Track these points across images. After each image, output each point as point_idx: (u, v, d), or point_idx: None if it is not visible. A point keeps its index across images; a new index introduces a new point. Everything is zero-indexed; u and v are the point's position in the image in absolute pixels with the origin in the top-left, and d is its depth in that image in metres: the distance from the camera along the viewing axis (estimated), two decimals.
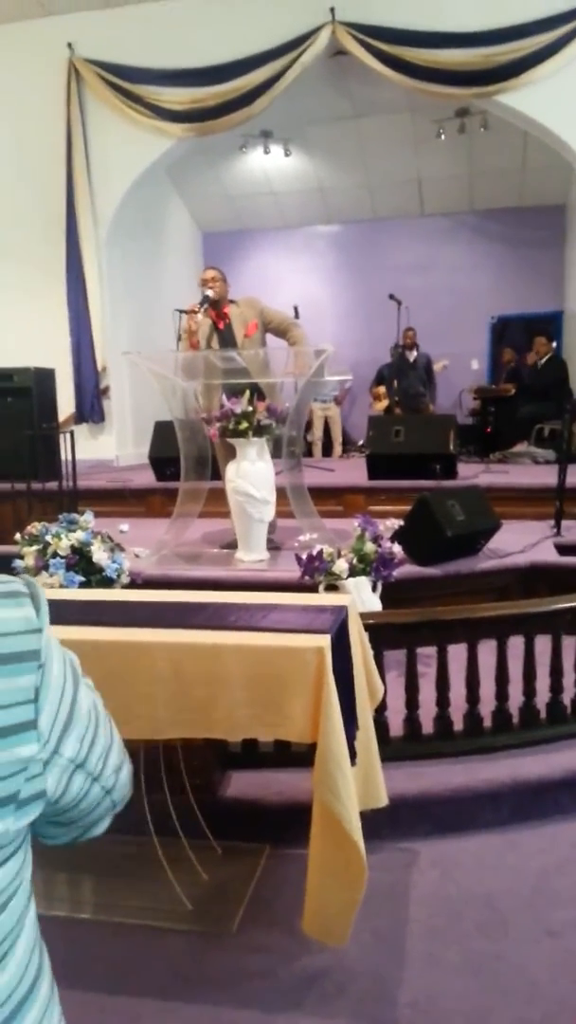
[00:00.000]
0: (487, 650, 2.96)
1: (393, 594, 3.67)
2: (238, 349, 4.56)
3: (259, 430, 4.16)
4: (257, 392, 4.32)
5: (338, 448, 9.74)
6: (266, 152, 9.39)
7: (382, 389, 9.43)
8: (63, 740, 0.69)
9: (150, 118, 7.77)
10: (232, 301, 4.78)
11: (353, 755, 2.08)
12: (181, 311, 4.67)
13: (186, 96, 7.65)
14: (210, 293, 4.65)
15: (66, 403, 7.81)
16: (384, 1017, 1.94)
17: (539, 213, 10.01)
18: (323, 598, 2.77)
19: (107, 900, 2.34)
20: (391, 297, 8.13)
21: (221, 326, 4.75)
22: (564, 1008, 1.95)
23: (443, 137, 8.75)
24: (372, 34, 7.07)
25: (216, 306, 4.70)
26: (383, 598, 3.62)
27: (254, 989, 2.03)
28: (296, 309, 5.46)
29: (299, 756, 2.63)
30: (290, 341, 4.72)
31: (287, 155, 9.48)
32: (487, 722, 2.96)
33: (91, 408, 8.23)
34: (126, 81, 7.77)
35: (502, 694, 2.95)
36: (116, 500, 6.43)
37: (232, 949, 2.17)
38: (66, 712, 0.69)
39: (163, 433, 6.44)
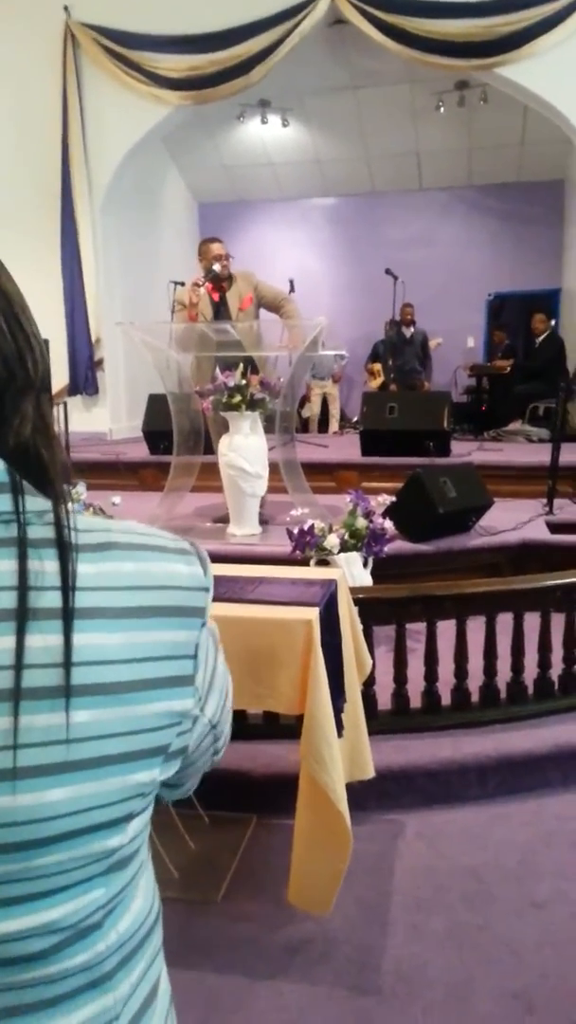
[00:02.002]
0: (476, 627, 2.97)
1: (384, 570, 3.68)
2: (232, 322, 4.53)
3: (252, 404, 4.14)
4: (251, 366, 4.29)
5: (335, 424, 9.72)
6: (264, 122, 9.25)
7: (377, 365, 9.39)
8: (208, 700, 0.70)
9: (147, 85, 7.63)
10: (228, 277, 4.75)
11: (340, 727, 2.10)
12: (176, 283, 4.63)
13: (184, 63, 7.52)
14: (218, 268, 4.61)
15: (59, 374, 7.75)
16: (367, 984, 1.97)
17: (538, 188, 9.91)
18: (313, 572, 2.77)
19: None
20: (387, 272, 8.06)
21: (216, 298, 4.71)
22: (547, 978, 1.98)
23: (442, 110, 8.64)
24: (372, 3, 6.93)
25: (217, 281, 4.66)
26: (374, 574, 3.63)
27: (239, 956, 2.06)
28: (292, 283, 5.40)
29: (287, 728, 2.65)
30: (283, 315, 4.69)
31: (285, 125, 9.35)
32: (475, 697, 2.98)
33: (85, 380, 8.18)
34: (123, 47, 7.62)
35: (490, 669, 2.97)
36: (109, 473, 6.41)
37: (218, 917, 2.20)
38: (210, 673, 0.70)
39: (157, 406, 6.41)
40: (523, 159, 9.55)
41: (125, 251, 8.56)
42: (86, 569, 0.58)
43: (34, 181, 8.01)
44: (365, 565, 3.61)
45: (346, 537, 3.58)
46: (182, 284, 5.13)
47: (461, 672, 2.94)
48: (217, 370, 4.23)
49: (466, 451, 6.52)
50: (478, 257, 10.22)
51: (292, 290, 5.09)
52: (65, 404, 5.89)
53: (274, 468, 4.55)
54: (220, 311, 4.70)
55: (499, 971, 2.01)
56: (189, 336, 4.61)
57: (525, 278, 10.10)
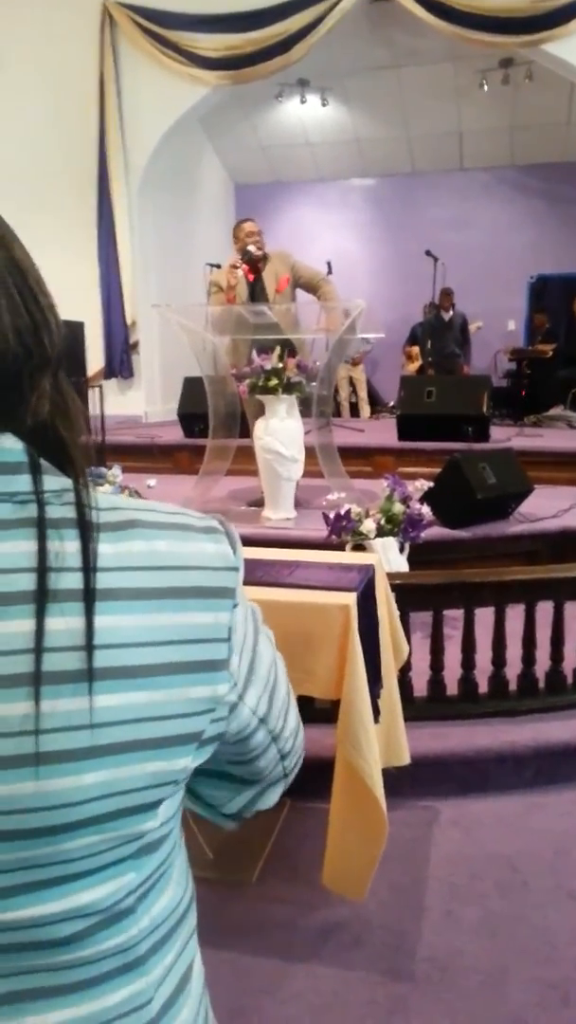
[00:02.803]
0: (515, 615, 2.93)
1: (421, 556, 3.64)
2: (269, 304, 4.50)
3: (289, 387, 4.11)
4: (288, 348, 4.26)
5: (366, 408, 9.64)
6: (302, 102, 9.15)
7: (415, 349, 9.28)
8: (248, 688, 0.67)
9: (185, 65, 7.58)
10: (264, 256, 4.71)
11: (376, 713, 2.08)
12: (212, 265, 4.60)
13: (221, 43, 7.45)
14: (253, 249, 4.57)
15: (95, 358, 7.78)
16: (401, 970, 1.97)
17: None
18: (350, 557, 2.75)
19: None
20: (427, 253, 7.94)
21: (252, 279, 4.67)
22: None
23: (486, 88, 8.46)
24: None
25: (253, 262, 4.63)
26: (410, 560, 3.59)
27: (273, 938, 2.06)
28: (329, 264, 5.34)
29: (322, 713, 2.63)
30: (321, 297, 4.64)
31: (324, 105, 9.24)
32: (513, 686, 2.94)
33: (120, 363, 8.21)
34: (160, 26, 7.58)
35: (528, 658, 2.93)
36: (144, 456, 6.44)
37: (252, 899, 2.21)
38: (249, 658, 0.67)
39: (192, 389, 6.41)
40: (569, 138, 9.33)
41: (161, 234, 8.55)
42: (108, 549, 0.56)
43: (71, 164, 8.02)
44: (401, 551, 3.58)
45: (382, 522, 3.55)
46: (218, 266, 5.11)
47: (499, 660, 2.91)
48: (254, 353, 4.21)
49: (505, 436, 6.43)
50: (520, 239, 10.03)
51: (330, 272, 5.04)
52: (101, 387, 5.91)
53: (310, 452, 4.53)
54: (256, 293, 4.67)
55: (534, 961, 1.99)
56: (226, 318, 4.59)
57: (569, 260, 9.89)
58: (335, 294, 4.65)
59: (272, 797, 0.79)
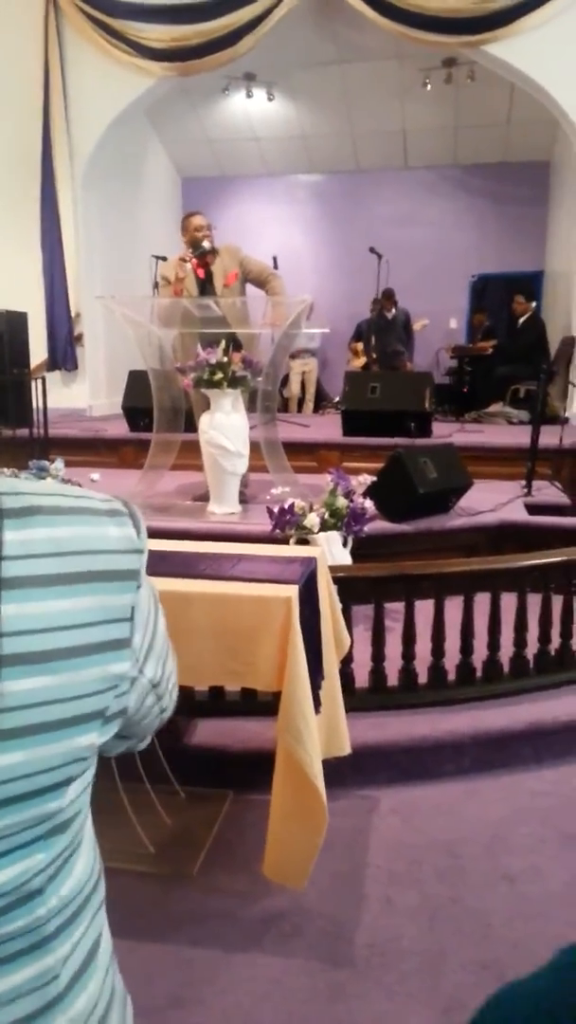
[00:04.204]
0: (453, 607, 2.99)
1: (364, 550, 3.69)
2: (217, 298, 4.49)
3: (234, 381, 4.11)
4: (234, 343, 4.26)
5: (309, 404, 9.67)
6: (249, 96, 9.13)
7: (360, 345, 9.36)
8: (147, 661, 0.70)
9: (131, 55, 7.49)
10: (214, 251, 4.69)
11: (318, 704, 2.11)
12: (158, 257, 4.57)
13: (168, 34, 7.38)
14: (206, 245, 4.55)
15: (38, 349, 7.65)
16: (341, 957, 2.00)
17: (523, 169, 9.88)
18: (293, 550, 2.77)
19: None
20: (372, 251, 8.01)
21: (202, 275, 4.65)
22: (518, 950, 2.02)
23: (429, 87, 8.56)
24: None
25: (204, 256, 4.61)
26: (353, 554, 3.64)
27: (214, 929, 2.07)
28: (275, 260, 5.36)
29: (265, 705, 2.66)
30: (269, 291, 4.65)
31: (270, 99, 9.24)
32: (451, 676, 3.00)
33: (64, 355, 8.08)
34: (107, 15, 7.47)
35: (467, 648, 3.00)
36: (88, 450, 6.37)
37: (193, 890, 2.21)
38: (151, 634, 0.70)
39: (137, 383, 6.35)
40: (509, 139, 9.51)
41: (106, 225, 8.44)
42: (11, 537, 0.57)
43: (13, 151, 7.86)
44: (345, 544, 3.62)
45: (326, 516, 3.58)
46: (164, 259, 5.07)
47: (438, 651, 2.97)
48: (199, 347, 4.20)
49: (447, 432, 6.54)
50: (463, 238, 10.19)
51: (276, 267, 5.05)
52: (43, 379, 5.81)
53: (255, 447, 4.54)
54: (205, 287, 4.65)
55: (471, 943, 2.04)
56: (172, 312, 4.57)
57: (509, 260, 10.10)
58: (283, 289, 4.67)
59: (147, 742, 0.84)
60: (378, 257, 7.96)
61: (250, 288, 4.77)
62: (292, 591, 2.00)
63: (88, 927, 0.69)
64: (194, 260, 4.57)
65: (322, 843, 2.05)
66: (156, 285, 4.70)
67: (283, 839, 2.01)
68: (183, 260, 4.56)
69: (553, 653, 3.13)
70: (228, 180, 10.70)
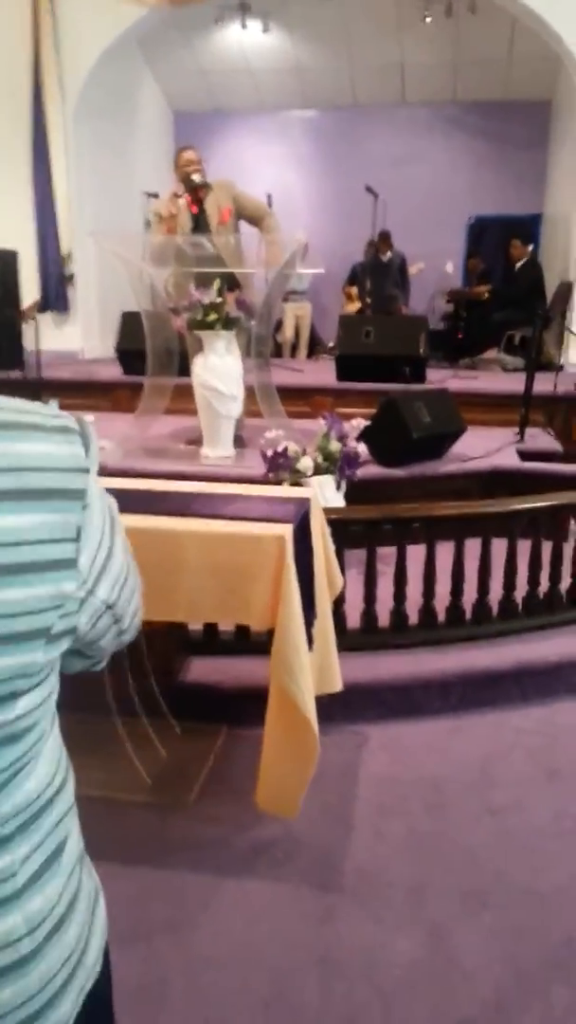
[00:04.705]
0: (445, 553, 3.02)
1: (356, 494, 3.71)
2: (210, 235, 4.39)
3: (228, 323, 4.06)
4: (228, 283, 4.19)
5: (303, 349, 9.56)
6: (243, 27, 8.81)
7: (354, 289, 9.22)
8: (99, 582, 0.70)
9: None
10: (207, 184, 4.57)
11: (310, 641, 2.14)
12: (150, 194, 4.46)
13: None
14: (196, 178, 4.44)
15: (30, 290, 7.53)
16: (329, 883, 2.07)
17: (524, 108, 9.63)
18: (286, 490, 2.78)
19: None
20: (368, 189, 7.82)
21: (195, 210, 4.54)
22: (500, 880, 2.09)
23: (429, 20, 8.28)
24: None
25: (195, 192, 4.49)
26: (346, 499, 3.65)
27: (208, 856, 2.14)
28: (269, 197, 5.25)
29: (258, 644, 2.70)
30: (264, 230, 4.55)
31: (265, 31, 8.92)
32: (441, 617, 3.05)
33: (55, 296, 7.95)
34: None
35: (457, 590, 3.03)
36: (81, 392, 6.31)
37: (188, 820, 2.28)
38: (104, 556, 0.70)
39: (130, 325, 6.27)
40: (510, 76, 9.25)
41: (98, 162, 8.22)
42: None
43: (2, 86, 7.60)
44: (338, 488, 3.63)
45: (320, 460, 3.59)
46: (156, 196, 4.95)
47: (429, 592, 3.00)
48: (192, 287, 4.13)
49: (441, 379, 6.50)
50: (460, 178, 9.98)
51: (270, 206, 4.95)
52: (36, 320, 5.73)
53: (249, 392, 4.51)
54: (199, 224, 4.54)
55: (456, 872, 2.12)
56: (165, 250, 4.48)
57: (507, 202, 9.91)
58: (278, 227, 4.57)
59: (103, 663, 0.86)
60: (374, 196, 7.79)
61: (243, 227, 4.67)
62: (286, 529, 2.02)
63: (51, 832, 0.71)
64: (187, 196, 4.47)
65: (313, 775, 2.10)
66: (148, 223, 4.59)
67: (275, 771, 2.06)
68: (176, 196, 4.45)
69: (542, 596, 3.17)
70: (222, 115, 10.40)
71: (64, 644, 0.68)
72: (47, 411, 0.66)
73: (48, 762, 0.72)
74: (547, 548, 3.16)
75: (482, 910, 1.99)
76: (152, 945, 1.86)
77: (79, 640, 0.73)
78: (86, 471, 0.66)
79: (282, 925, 1.93)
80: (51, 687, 0.70)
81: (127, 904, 1.97)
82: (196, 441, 4.59)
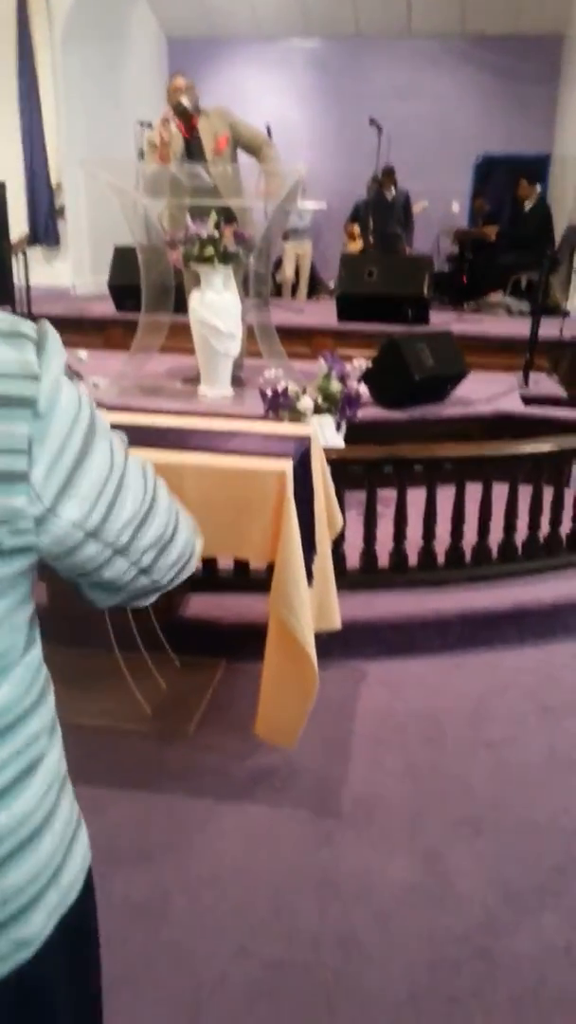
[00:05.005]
0: (446, 499, 3.00)
1: (356, 436, 3.67)
2: (206, 164, 4.26)
3: (226, 257, 3.96)
4: (225, 216, 4.08)
5: (304, 289, 9.37)
6: None
7: (356, 228, 9.00)
8: (61, 500, 0.66)
9: None
10: (201, 111, 4.41)
11: (310, 577, 2.14)
12: (144, 124, 4.30)
13: None
14: (185, 101, 4.27)
15: (18, 222, 7.34)
16: (327, 810, 2.11)
17: (535, 43, 9.27)
18: (286, 427, 2.75)
19: (72, 706, 2.43)
20: (372, 122, 7.57)
21: (189, 136, 4.38)
22: (495, 809, 2.13)
23: None
24: None
25: (186, 117, 4.33)
26: (347, 441, 3.62)
27: (208, 782, 2.18)
28: (268, 129, 5.08)
29: (256, 581, 2.71)
30: (262, 159, 4.40)
31: None
32: (440, 559, 3.05)
33: (45, 229, 7.74)
34: None
35: (457, 533, 3.03)
36: (73, 329, 6.18)
37: (188, 748, 2.31)
38: (66, 471, 0.65)
39: (123, 260, 6.12)
40: (521, 9, 8.89)
41: (88, 89, 7.93)
42: None
43: None
44: (338, 429, 3.60)
45: (320, 400, 3.54)
46: (151, 126, 4.79)
47: (429, 533, 3.00)
48: (188, 219, 4.02)
49: (444, 322, 6.40)
50: (467, 115, 9.67)
51: (270, 137, 4.79)
52: (25, 253, 5.58)
53: (249, 332, 4.43)
54: (193, 151, 4.38)
55: (451, 801, 2.16)
56: (160, 180, 4.34)
57: (515, 141, 9.62)
58: (278, 158, 4.42)
59: (146, 600, 0.84)
60: (378, 130, 7.53)
61: (242, 159, 4.53)
62: (286, 465, 2.00)
63: (22, 750, 0.71)
64: (178, 121, 4.30)
65: (312, 709, 2.13)
66: (142, 154, 4.43)
67: (275, 702, 2.08)
68: (165, 121, 4.28)
69: (542, 540, 3.17)
70: (218, 43, 10.00)
71: (20, 562, 0.66)
72: (6, 316, 0.63)
73: (19, 680, 0.71)
74: (548, 493, 3.14)
75: (476, 837, 2.04)
76: (154, 865, 1.90)
77: (60, 565, 0.71)
78: (36, 378, 0.62)
79: (281, 849, 1.97)
80: (14, 604, 0.68)
81: (129, 826, 2.01)
82: (193, 380, 4.53)
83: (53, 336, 0.65)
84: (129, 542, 0.73)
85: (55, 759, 0.77)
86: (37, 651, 0.75)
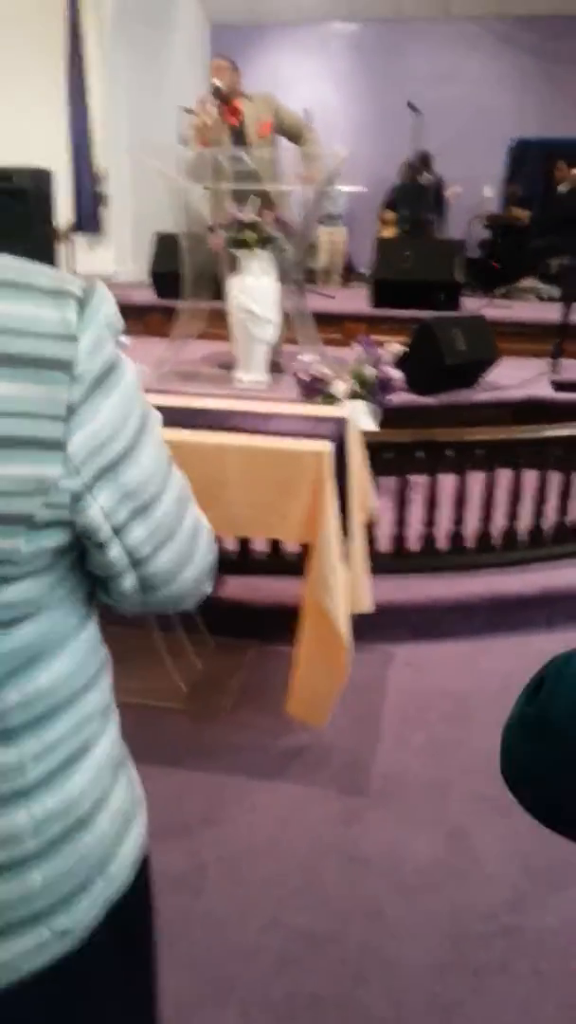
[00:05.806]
0: (475, 483, 3.03)
1: (387, 422, 3.70)
2: (249, 148, 4.28)
3: (264, 242, 3.99)
4: (265, 200, 4.09)
5: (337, 275, 9.35)
6: None
7: (391, 214, 8.97)
8: (100, 481, 0.61)
9: None
10: (245, 95, 4.43)
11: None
12: (187, 110, 4.33)
13: None
14: (218, 82, 4.29)
15: (64, 210, 7.41)
16: (358, 785, 2.17)
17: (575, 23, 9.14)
18: (324, 410, 2.79)
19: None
20: (409, 105, 7.51)
21: (235, 122, 4.40)
22: None
23: None
24: None
25: (226, 99, 4.35)
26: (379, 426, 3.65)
27: (243, 759, 2.25)
28: (307, 113, 5.08)
29: (288, 564, 2.76)
30: (303, 144, 4.41)
31: None
32: (470, 543, 3.08)
33: (88, 217, 7.81)
34: None
35: (487, 517, 3.06)
36: None
37: (223, 726, 2.39)
38: (110, 454, 0.61)
39: (165, 247, 6.16)
40: None
41: (133, 76, 7.95)
42: None
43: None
44: (374, 417, 3.63)
45: (355, 386, 3.58)
46: (193, 112, 4.81)
47: (459, 518, 3.03)
48: (229, 204, 4.05)
49: (475, 308, 6.37)
50: (503, 98, 9.54)
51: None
52: (71, 240, 5.63)
53: (285, 319, 4.46)
54: (238, 136, 4.41)
55: (475, 777, 2.21)
56: (202, 165, 4.37)
57: (552, 124, 9.47)
58: (319, 142, 4.43)
59: (184, 604, 0.79)
60: (414, 112, 7.46)
61: (280, 143, 4.54)
62: (326, 446, 2.04)
63: (74, 732, 0.69)
64: (222, 106, 4.32)
65: (342, 686, 2.18)
66: (184, 140, 4.46)
67: (307, 681, 2.14)
68: (202, 103, 4.29)
69: (571, 526, 3.19)
70: (260, 29, 9.95)
71: (56, 538, 0.61)
72: (53, 274, 0.59)
73: (70, 660, 0.68)
74: None
75: (501, 814, 2.08)
76: (191, 838, 1.98)
77: (89, 547, 0.65)
78: (74, 340, 0.57)
79: (311, 824, 2.04)
80: (56, 580, 0.64)
81: (166, 801, 2.08)
82: (230, 365, 4.58)
83: (100, 295, 0.60)
84: (150, 556, 0.69)
85: (109, 743, 0.75)
86: (92, 630, 0.72)
